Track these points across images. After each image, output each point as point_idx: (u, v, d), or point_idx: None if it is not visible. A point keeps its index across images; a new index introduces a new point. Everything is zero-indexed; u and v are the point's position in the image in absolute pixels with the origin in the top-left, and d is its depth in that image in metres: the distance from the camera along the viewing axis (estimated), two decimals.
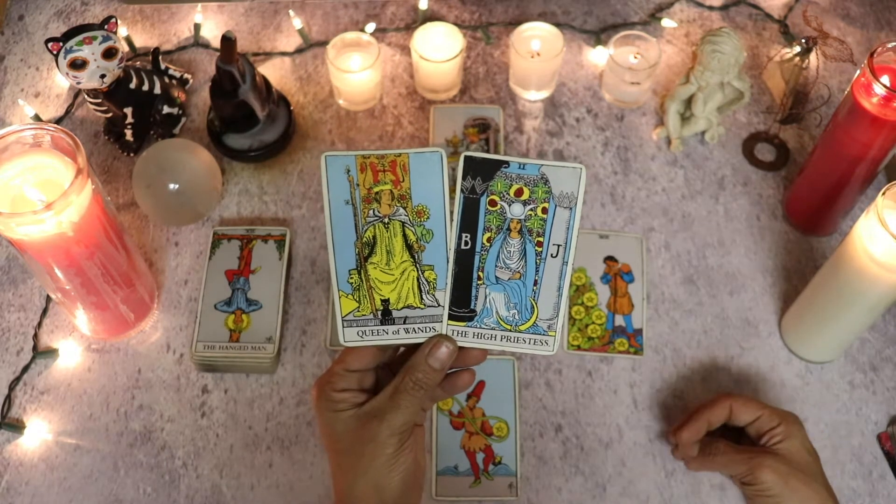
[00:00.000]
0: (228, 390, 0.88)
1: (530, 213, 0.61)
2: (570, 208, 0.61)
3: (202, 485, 0.83)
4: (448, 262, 0.62)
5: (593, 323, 0.90)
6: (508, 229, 0.62)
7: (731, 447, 0.75)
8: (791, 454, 0.73)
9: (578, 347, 0.89)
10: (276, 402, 0.87)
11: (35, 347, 0.89)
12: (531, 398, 0.87)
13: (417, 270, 0.62)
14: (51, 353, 0.89)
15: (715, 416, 0.77)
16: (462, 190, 0.61)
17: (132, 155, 1.01)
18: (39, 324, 0.91)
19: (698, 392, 0.88)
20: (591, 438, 0.85)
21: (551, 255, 0.62)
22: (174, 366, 0.89)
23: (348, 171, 0.61)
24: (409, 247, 0.62)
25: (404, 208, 0.61)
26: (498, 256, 0.62)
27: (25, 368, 0.88)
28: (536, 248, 0.62)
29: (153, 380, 0.88)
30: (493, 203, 0.61)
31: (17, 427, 0.85)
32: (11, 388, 0.87)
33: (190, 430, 0.86)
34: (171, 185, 0.91)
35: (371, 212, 0.61)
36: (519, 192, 0.61)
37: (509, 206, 0.61)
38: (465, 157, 0.60)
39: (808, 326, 0.86)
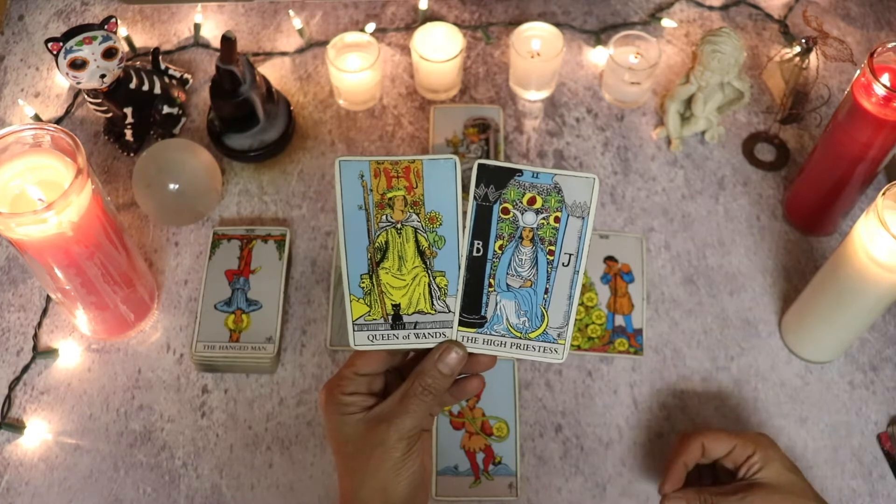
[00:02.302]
0: (228, 390, 0.88)
1: (543, 221, 0.61)
2: (583, 218, 0.61)
3: (202, 485, 0.83)
4: (460, 268, 0.62)
5: (593, 323, 0.90)
6: (521, 237, 0.62)
7: (719, 493, 0.72)
8: (776, 480, 0.71)
9: (578, 347, 0.89)
10: (276, 402, 0.87)
11: (35, 347, 0.89)
12: (531, 398, 0.87)
13: (429, 276, 0.62)
14: (51, 353, 0.89)
15: (689, 457, 0.75)
16: (475, 197, 0.61)
17: (132, 155, 1.01)
18: (39, 324, 0.91)
19: (698, 392, 0.88)
20: (591, 438, 0.86)
21: (563, 263, 0.62)
22: (174, 366, 0.89)
23: (362, 176, 0.61)
24: (421, 253, 0.62)
25: (417, 214, 0.61)
26: (509, 264, 0.62)
27: (25, 368, 0.88)
28: (548, 256, 0.62)
29: (153, 380, 0.88)
30: (505, 211, 0.61)
31: (17, 427, 0.85)
32: (11, 388, 0.87)
33: (190, 430, 0.86)
34: (171, 185, 0.91)
35: (384, 217, 0.61)
36: (532, 201, 0.61)
37: (522, 214, 0.61)
38: (479, 165, 0.61)
39: (808, 326, 0.86)
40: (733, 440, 0.74)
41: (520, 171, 0.61)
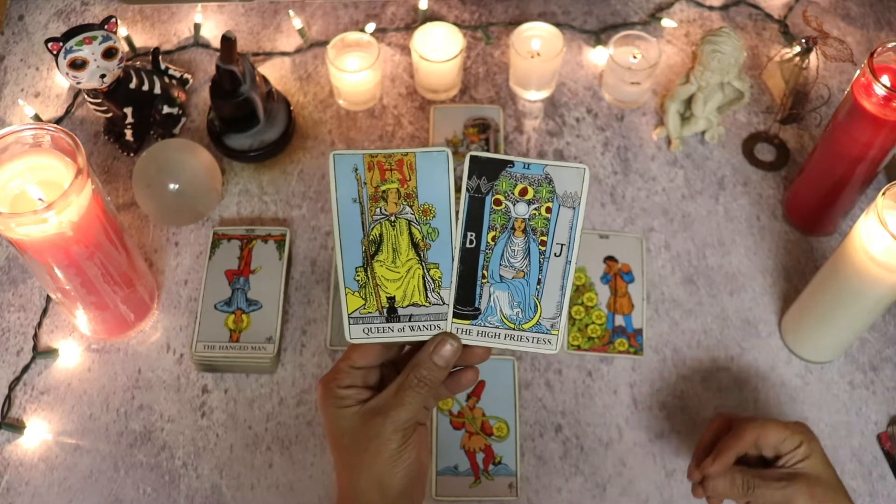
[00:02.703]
0: (228, 390, 0.88)
1: (534, 212, 0.62)
2: (574, 208, 0.62)
3: (202, 485, 0.83)
4: (453, 260, 0.62)
5: (593, 323, 0.90)
6: (513, 228, 0.62)
7: (761, 477, 0.72)
8: (818, 473, 0.71)
9: (578, 347, 0.89)
10: (276, 402, 0.87)
11: (35, 347, 0.89)
12: (531, 398, 0.87)
13: (423, 268, 0.63)
14: (51, 353, 0.89)
15: (742, 447, 0.73)
16: (467, 189, 0.62)
17: (132, 155, 1.01)
18: (39, 324, 0.91)
19: (698, 392, 0.88)
20: (591, 438, 0.86)
21: (555, 254, 0.62)
22: (174, 366, 0.89)
23: (356, 169, 0.61)
24: (414, 245, 0.62)
25: (410, 207, 0.62)
26: (502, 255, 0.62)
27: (25, 368, 0.88)
28: (540, 247, 0.62)
29: (153, 380, 0.88)
30: (497, 202, 0.62)
31: (17, 427, 0.85)
32: (11, 388, 0.87)
33: (190, 430, 0.86)
34: (171, 185, 0.91)
35: (378, 210, 0.62)
36: (523, 192, 0.61)
37: (514, 205, 0.62)
38: (471, 157, 0.61)
39: (808, 326, 0.86)
40: (785, 432, 0.72)
41: (511, 162, 0.61)
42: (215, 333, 0.88)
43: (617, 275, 0.93)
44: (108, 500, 0.82)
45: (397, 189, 0.62)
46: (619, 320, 0.91)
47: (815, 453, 0.72)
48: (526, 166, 0.61)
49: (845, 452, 0.85)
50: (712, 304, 0.92)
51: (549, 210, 0.62)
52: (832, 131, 0.86)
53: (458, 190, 0.61)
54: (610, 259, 0.94)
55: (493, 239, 0.62)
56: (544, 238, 0.62)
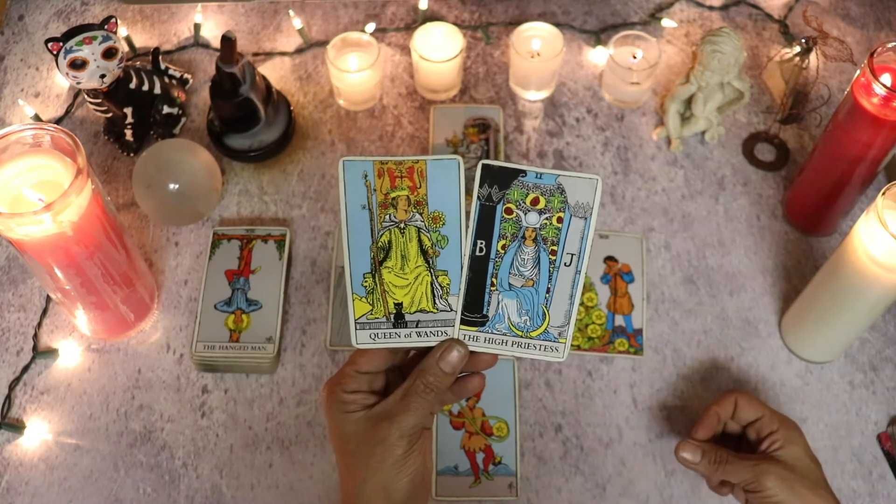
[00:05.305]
0: (228, 390, 0.88)
1: (545, 221, 0.62)
2: (585, 218, 0.62)
3: (202, 485, 0.83)
4: (462, 267, 0.62)
5: (593, 323, 0.90)
6: (523, 237, 0.62)
7: (735, 455, 0.74)
8: (794, 461, 0.73)
9: (578, 347, 0.89)
10: (276, 402, 0.87)
11: (35, 347, 0.89)
12: (531, 398, 0.87)
13: (431, 275, 0.63)
14: (51, 353, 0.89)
15: (723, 409, 0.77)
16: (478, 197, 0.62)
17: (132, 155, 1.01)
18: (39, 324, 0.91)
19: (698, 392, 0.88)
20: (591, 438, 0.86)
21: (565, 263, 0.62)
22: (174, 366, 0.89)
23: (366, 176, 0.61)
24: (423, 252, 0.62)
25: (420, 214, 0.62)
26: (512, 264, 0.62)
27: (25, 368, 0.88)
28: (550, 256, 0.62)
29: (153, 380, 0.88)
30: (508, 211, 0.62)
31: (17, 427, 0.85)
32: (11, 388, 0.87)
33: (190, 430, 0.86)
34: (171, 185, 0.91)
35: (387, 217, 0.62)
36: (535, 201, 0.62)
37: (525, 214, 0.62)
38: (483, 166, 0.61)
39: (808, 326, 0.86)
40: (763, 410, 0.76)
41: (524, 171, 0.61)
42: (215, 333, 0.88)
43: (617, 275, 0.93)
44: (108, 500, 0.82)
45: (407, 196, 0.62)
46: (619, 320, 0.91)
47: (795, 443, 0.74)
48: (538, 176, 0.61)
49: (845, 452, 0.85)
50: (712, 304, 0.92)
51: (560, 220, 0.62)
52: (832, 131, 0.86)
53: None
54: (610, 259, 0.94)
55: (504, 247, 0.62)
56: (555, 248, 0.62)
